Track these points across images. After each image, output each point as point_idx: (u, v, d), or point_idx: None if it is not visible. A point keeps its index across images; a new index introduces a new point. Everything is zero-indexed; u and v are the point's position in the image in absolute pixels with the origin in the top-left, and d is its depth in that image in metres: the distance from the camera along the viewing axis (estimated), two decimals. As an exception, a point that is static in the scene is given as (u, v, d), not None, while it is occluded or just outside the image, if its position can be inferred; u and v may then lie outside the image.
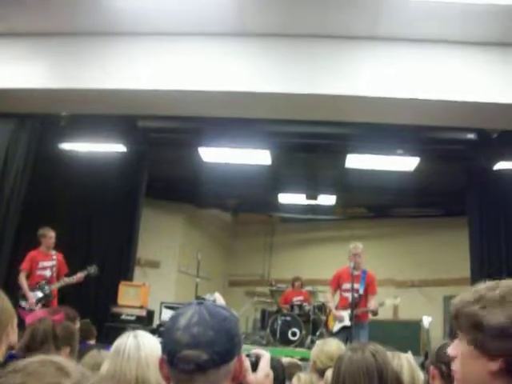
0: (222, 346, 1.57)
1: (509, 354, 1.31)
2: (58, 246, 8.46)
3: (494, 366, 1.33)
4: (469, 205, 9.90)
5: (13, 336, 2.38)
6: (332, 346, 3.83)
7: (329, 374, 3.54)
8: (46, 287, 8.13)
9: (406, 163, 9.21)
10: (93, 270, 8.39)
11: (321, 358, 3.74)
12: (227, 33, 6.76)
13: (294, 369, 4.25)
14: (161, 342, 1.70)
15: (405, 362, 2.50)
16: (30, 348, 2.82)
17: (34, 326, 2.86)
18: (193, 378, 1.56)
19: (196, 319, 1.59)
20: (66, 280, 8.25)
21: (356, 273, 7.97)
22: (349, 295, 8.07)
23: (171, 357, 1.57)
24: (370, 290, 8.24)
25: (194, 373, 1.55)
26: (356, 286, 7.93)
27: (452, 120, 7.17)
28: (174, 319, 1.64)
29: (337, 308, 8.36)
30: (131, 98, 7.12)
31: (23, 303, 7.88)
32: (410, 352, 2.90)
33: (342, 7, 6.13)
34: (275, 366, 3.76)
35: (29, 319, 2.86)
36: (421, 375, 2.57)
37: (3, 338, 2.29)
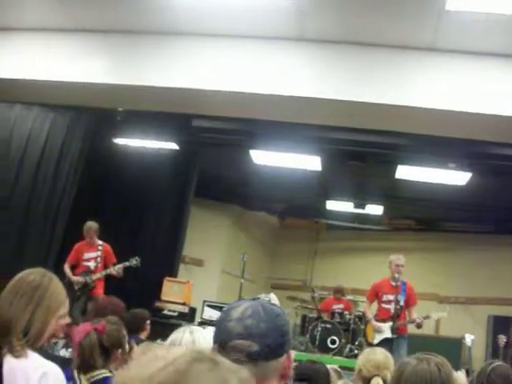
0: (274, 340, 1.60)
1: None
2: (105, 239, 8.65)
3: None
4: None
5: (62, 322, 2.46)
6: (378, 355, 3.82)
7: (374, 382, 3.55)
8: (88, 277, 8.34)
9: (457, 177, 9.09)
10: (134, 261, 8.53)
11: (367, 366, 3.74)
12: (285, 37, 6.81)
13: (335, 375, 4.27)
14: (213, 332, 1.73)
15: (458, 379, 2.48)
16: (80, 366, 2.99)
17: (81, 343, 3.02)
18: None
19: (250, 312, 1.62)
20: (108, 270, 8.45)
21: (397, 284, 7.90)
22: (390, 307, 7.98)
23: (222, 346, 1.59)
24: (411, 301, 8.11)
25: (243, 363, 1.53)
26: (396, 296, 7.85)
27: (506, 136, 7.05)
28: (227, 311, 1.67)
29: (376, 319, 8.27)
30: (186, 97, 7.23)
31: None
32: (463, 370, 2.88)
33: (402, 17, 6.12)
34: (319, 368, 3.80)
35: (76, 335, 3.00)
36: None
37: (53, 322, 2.37)
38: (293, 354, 1.77)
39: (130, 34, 7.19)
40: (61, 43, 7.37)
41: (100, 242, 8.57)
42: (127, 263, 8.52)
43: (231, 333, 1.59)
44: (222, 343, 1.60)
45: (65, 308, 2.44)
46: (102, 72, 7.26)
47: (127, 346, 3.30)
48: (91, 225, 8.46)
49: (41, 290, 2.34)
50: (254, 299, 1.69)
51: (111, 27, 7.18)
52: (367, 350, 4.09)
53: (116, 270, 8.46)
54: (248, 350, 1.57)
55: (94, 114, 8.46)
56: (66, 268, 8.34)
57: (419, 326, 7.99)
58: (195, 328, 2.50)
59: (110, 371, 3.06)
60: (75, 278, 8.29)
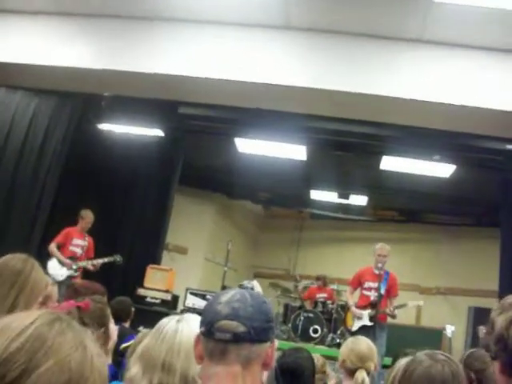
0: (260, 324, 1.65)
1: (502, 356, 1.36)
2: (89, 229, 8.75)
3: (496, 366, 1.39)
4: (502, 216, 9.76)
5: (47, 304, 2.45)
6: (362, 346, 3.81)
7: (359, 375, 3.55)
8: (74, 262, 8.42)
9: (441, 169, 9.13)
10: (118, 258, 8.80)
11: (351, 357, 3.73)
12: (272, 25, 6.79)
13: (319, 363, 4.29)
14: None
15: None
16: None
17: None
18: (227, 349, 1.63)
19: (238, 297, 1.68)
20: (90, 262, 8.62)
21: (379, 272, 7.95)
22: (370, 294, 8.07)
23: (209, 326, 1.65)
24: (392, 292, 8.18)
25: (229, 343, 1.62)
26: (378, 285, 7.91)
27: (492, 129, 7.09)
28: (216, 296, 1.74)
29: (356, 306, 8.33)
30: (172, 84, 7.19)
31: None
32: None
33: (390, 8, 6.12)
34: (306, 357, 3.81)
35: None
36: None
37: (35, 306, 2.36)
38: (276, 342, 1.80)
39: (116, 18, 7.13)
40: (46, 27, 7.30)
41: (86, 234, 8.80)
42: (111, 258, 8.77)
43: (219, 314, 1.65)
44: (210, 324, 1.66)
45: (47, 291, 2.43)
46: (87, 57, 7.20)
47: (111, 327, 3.24)
48: (92, 216, 8.74)
49: (23, 275, 2.35)
50: (241, 286, 1.78)
51: (97, 12, 7.12)
52: (350, 340, 4.08)
53: (96, 263, 8.63)
54: (234, 331, 1.62)
55: (79, 99, 8.39)
56: (54, 248, 8.41)
57: (393, 316, 8.04)
58: (185, 317, 2.48)
59: None
60: (67, 261, 8.33)
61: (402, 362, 2.20)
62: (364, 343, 3.87)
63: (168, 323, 2.41)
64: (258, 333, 1.65)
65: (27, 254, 2.53)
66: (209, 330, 1.65)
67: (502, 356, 1.38)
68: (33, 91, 8.21)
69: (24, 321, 0.95)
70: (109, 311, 3.21)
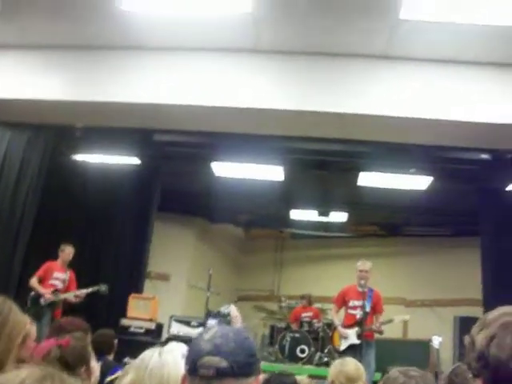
0: (242, 358, 1.66)
1: (484, 373, 1.36)
2: (70, 261, 8.70)
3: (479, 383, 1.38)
4: (481, 225, 9.86)
5: (25, 350, 2.40)
6: (350, 366, 3.81)
7: None
8: (56, 295, 8.34)
9: (418, 182, 9.20)
10: (103, 287, 8.71)
11: (339, 378, 3.73)
12: (243, 49, 6.82)
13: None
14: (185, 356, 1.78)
15: None
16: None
17: (42, 361, 2.86)
18: None
19: (220, 334, 1.70)
20: (71, 293, 8.54)
21: (364, 290, 7.93)
22: (356, 312, 8.04)
23: (193, 364, 1.66)
24: (377, 309, 8.18)
25: (212, 379, 1.62)
26: (363, 303, 7.89)
27: (466, 140, 7.17)
28: (199, 335, 1.75)
29: (342, 326, 8.31)
30: (146, 112, 7.18)
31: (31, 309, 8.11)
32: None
33: (357, 26, 6.18)
34: (291, 382, 3.77)
35: (37, 354, 2.85)
36: None
37: (13, 350, 2.31)
38: (261, 377, 1.81)
39: (85, 49, 7.11)
40: (15, 61, 7.26)
41: (67, 268, 8.74)
42: (95, 288, 8.69)
43: (202, 351, 1.65)
44: (193, 361, 1.66)
45: (26, 332, 2.39)
46: (59, 88, 7.16)
47: (92, 364, 3.20)
48: (71, 249, 8.69)
49: (1, 317, 2.30)
50: (218, 313, 1.81)
51: (66, 43, 7.09)
52: (339, 362, 4.08)
53: (79, 294, 8.56)
54: (217, 366, 1.62)
55: (52, 132, 8.32)
56: (35, 282, 8.32)
57: (380, 332, 8.05)
58: (166, 349, 2.45)
59: None
60: (46, 293, 8.24)
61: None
62: (352, 364, 3.88)
63: (151, 357, 2.38)
64: (241, 367, 1.65)
65: (4, 296, 2.49)
66: (193, 367, 1.66)
67: (483, 373, 1.38)
68: (5, 125, 8.13)
69: (14, 380, 0.93)
70: (90, 348, 3.17)
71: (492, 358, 1.32)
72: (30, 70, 7.23)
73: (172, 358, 2.47)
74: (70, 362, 2.93)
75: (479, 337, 1.38)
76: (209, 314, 9.25)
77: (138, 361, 2.41)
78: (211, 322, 8.24)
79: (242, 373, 1.65)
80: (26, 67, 7.24)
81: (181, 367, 2.41)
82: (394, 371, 2.20)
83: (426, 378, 2.07)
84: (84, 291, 8.59)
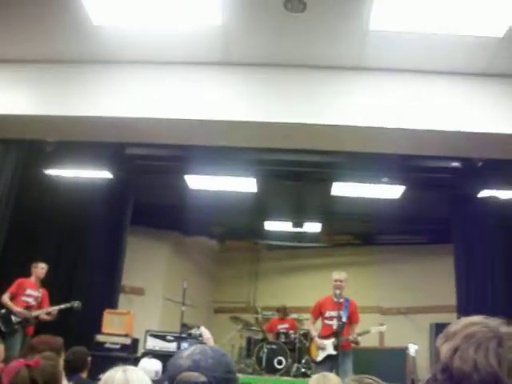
0: (220, 374, 1.71)
1: None
2: (43, 278, 8.61)
3: None
4: (453, 232, 9.97)
5: None
6: (332, 381, 3.77)
7: None
8: (28, 312, 8.25)
9: (391, 191, 9.27)
10: (76, 304, 8.66)
11: None
12: (213, 62, 6.82)
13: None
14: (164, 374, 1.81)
15: None
16: None
17: (10, 382, 2.79)
18: None
19: (198, 351, 1.75)
20: (45, 309, 8.49)
21: (340, 300, 7.95)
22: (332, 323, 8.05)
23: (172, 380, 1.70)
24: (353, 318, 8.21)
25: None
26: (339, 313, 7.91)
27: (438, 149, 7.23)
28: (178, 352, 1.82)
29: (319, 336, 8.31)
30: (117, 126, 7.13)
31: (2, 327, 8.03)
32: None
33: (327, 38, 6.22)
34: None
35: (5, 376, 2.78)
36: None
37: None
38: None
39: (56, 63, 7.05)
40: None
41: (40, 285, 8.68)
42: (68, 305, 8.63)
43: (180, 367, 1.70)
44: (172, 378, 1.71)
45: None
46: (29, 103, 7.09)
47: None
48: (43, 265, 8.65)
49: None
50: (190, 335, 1.84)
51: (35, 57, 7.02)
52: (318, 376, 4.03)
53: (52, 311, 8.51)
54: (196, 381, 1.67)
55: (23, 146, 8.23)
56: (6, 299, 8.22)
57: (356, 342, 8.08)
58: (129, 367, 2.44)
59: None
60: (19, 310, 8.14)
61: None
62: (333, 379, 3.82)
63: (115, 375, 2.37)
64: (219, 382, 1.69)
65: None
66: (172, 382, 1.70)
67: None
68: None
69: None
70: (60, 368, 3.12)
71: (456, 370, 1.32)
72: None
73: (136, 375, 2.45)
74: (40, 383, 2.87)
75: (443, 348, 1.38)
76: (184, 328, 9.21)
77: (102, 380, 2.39)
78: (184, 345, 8.23)
79: None
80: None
81: (146, 382, 2.40)
82: (349, 380, 2.22)
83: None
84: (56, 308, 8.53)
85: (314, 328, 8.58)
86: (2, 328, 7.95)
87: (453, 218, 9.96)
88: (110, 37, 6.43)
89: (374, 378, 2.18)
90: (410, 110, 6.62)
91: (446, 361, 1.34)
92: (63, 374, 3.20)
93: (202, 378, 1.67)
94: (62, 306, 8.54)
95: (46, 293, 8.68)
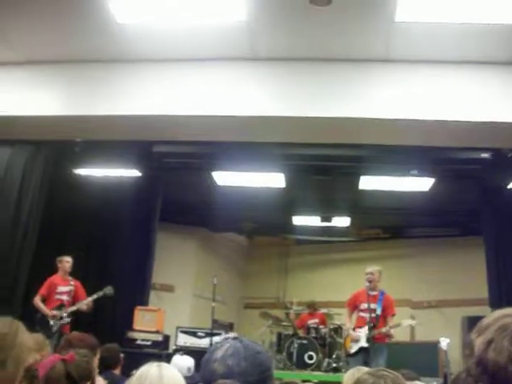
0: (254, 377, 1.70)
1: (483, 379, 1.34)
2: (74, 271, 8.57)
3: None
4: (484, 224, 9.84)
5: None
6: None
7: None
8: (62, 311, 8.22)
9: (420, 183, 9.18)
10: (108, 290, 8.52)
11: None
12: (239, 57, 6.82)
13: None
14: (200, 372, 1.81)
15: None
16: None
17: (46, 377, 2.83)
18: None
19: (231, 352, 1.73)
20: (79, 303, 8.39)
21: (373, 293, 7.99)
22: (366, 315, 8.04)
23: None
24: (388, 312, 8.20)
25: None
26: (373, 306, 7.94)
27: (466, 140, 7.15)
28: (211, 352, 1.78)
29: (354, 329, 8.32)
30: (145, 124, 7.18)
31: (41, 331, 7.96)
32: (440, 380, 2.83)
33: (353, 31, 6.19)
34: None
35: (41, 371, 2.82)
36: None
37: (20, 373, 2.29)
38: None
39: (82, 63, 7.12)
40: (13, 77, 7.27)
41: (71, 278, 8.57)
42: (100, 293, 8.48)
43: (214, 373, 1.70)
44: (207, 383, 1.71)
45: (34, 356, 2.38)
46: (57, 104, 7.17)
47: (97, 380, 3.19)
48: (68, 259, 8.53)
49: (9, 340, 2.29)
50: (235, 338, 1.79)
51: (63, 58, 7.10)
52: (353, 370, 4.03)
53: (87, 303, 8.41)
54: None
55: (52, 147, 8.33)
56: (38, 301, 8.20)
57: (389, 335, 8.06)
58: (163, 364, 2.46)
59: None
60: (49, 313, 8.14)
61: None
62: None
63: (149, 370, 2.39)
64: None
65: (11, 317, 2.47)
66: None
67: (483, 379, 1.37)
68: (4, 143, 8.13)
69: None
70: (94, 364, 3.16)
71: (490, 363, 1.31)
72: (27, 87, 7.23)
73: (170, 370, 2.47)
74: (76, 378, 2.91)
75: (477, 341, 1.37)
76: (215, 325, 9.25)
77: (136, 375, 2.41)
78: (216, 339, 8.21)
79: None
80: (23, 84, 7.24)
81: (179, 379, 2.42)
82: (365, 373, 2.21)
83: (398, 379, 2.07)
84: (90, 298, 8.43)
85: (350, 321, 8.59)
86: (42, 332, 7.91)
87: (483, 210, 9.83)
88: (136, 35, 6.47)
89: (391, 371, 2.15)
90: (436, 101, 6.55)
91: (481, 354, 1.33)
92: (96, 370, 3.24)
93: None
94: (95, 296, 8.44)
95: (78, 284, 8.60)
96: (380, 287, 8.22)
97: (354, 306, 8.45)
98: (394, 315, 8.27)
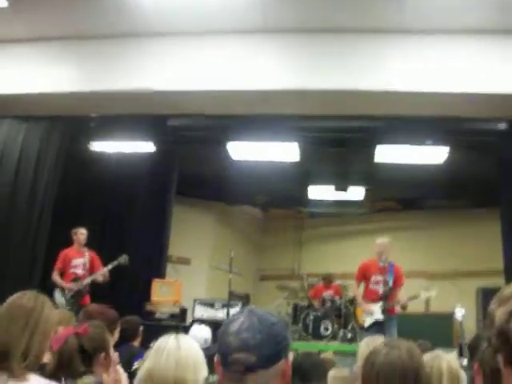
0: (270, 349, 1.70)
1: (504, 349, 1.37)
2: (90, 246, 8.58)
3: (500, 359, 1.40)
4: (501, 196, 9.78)
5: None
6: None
7: None
8: (79, 283, 8.23)
9: (436, 156, 9.10)
10: (123, 259, 8.44)
11: None
12: (252, 30, 6.80)
13: (328, 365, 4.28)
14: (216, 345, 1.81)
15: (445, 365, 2.45)
16: (58, 370, 2.83)
17: (59, 351, 2.86)
18: (243, 379, 1.69)
19: (246, 325, 1.72)
20: (95, 275, 8.33)
21: (384, 265, 7.86)
22: (378, 287, 7.98)
23: (224, 359, 1.72)
24: (397, 283, 8.05)
25: (244, 373, 1.68)
26: (385, 278, 7.83)
27: (482, 111, 7.10)
28: (226, 325, 1.77)
29: (364, 301, 8.25)
30: (159, 98, 7.20)
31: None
32: (454, 352, 2.86)
33: (367, 2, 6.13)
34: (315, 361, 3.81)
35: (55, 345, 2.85)
36: (464, 376, 2.52)
37: (47, 345, 2.36)
38: (291, 356, 1.84)
39: (96, 38, 7.14)
40: (27, 54, 7.30)
41: (85, 249, 8.50)
42: (115, 262, 8.38)
43: (230, 347, 1.70)
44: (223, 357, 1.72)
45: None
46: (71, 80, 7.20)
47: (111, 352, 3.22)
48: (82, 230, 8.45)
49: (35, 314, 2.35)
50: (250, 310, 1.79)
51: (77, 34, 7.12)
52: (367, 340, 4.07)
53: (103, 273, 8.33)
54: (246, 363, 1.67)
55: (67, 123, 8.38)
56: (56, 276, 8.18)
57: (404, 307, 8.02)
58: (181, 335, 2.51)
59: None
60: (68, 285, 8.19)
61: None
62: (381, 341, 3.84)
63: (167, 342, 2.44)
64: (270, 358, 1.70)
65: (36, 291, 2.53)
66: (223, 362, 1.72)
67: (504, 349, 1.39)
68: (20, 119, 8.19)
69: None
70: (108, 336, 3.20)
71: None
72: (41, 64, 7.26)
73: (188, 341, 2.51)
74: (89, 350, 2.95)
75: (498, 312, 1.39)
76: (232, 296, 9.33)
77: (155, 347, 2.46)
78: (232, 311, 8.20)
79: (271, 363, 1.70)
80: (38, 61, 7.27)
81: (197, 350, 2.47)
82: (380, 344, 2.24)
83: (412, 349, 2.11)
84: (105, 269, 8.33)
85: (359, 292, 8.51)
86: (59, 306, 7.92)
87: (500, 181, 9.77)
88: (148, 10, 6.48)
89: (405, 341, 2.18)
90: (453, 71, 6.50)
91: (502, 325, 1.36)
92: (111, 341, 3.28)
93: (253, 359, 1.67)
94: (110, 266, 8.34)
95: (94, 254, 8.53)
96: (389, 258, 8.10)
97: (362, 277, 8.28)
98: (402, 285, 8.18)
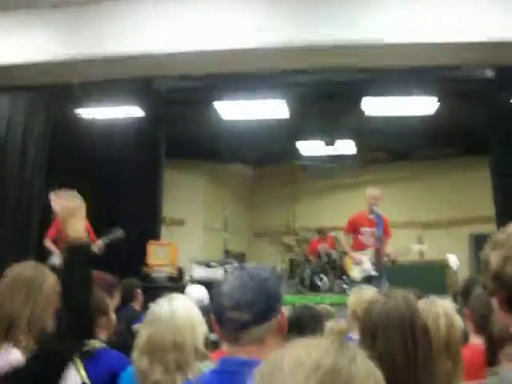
0: (262, 306, 1.75)
1: (500, 293, 1.40)
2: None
3: (495, 302, 1.44)
4: (490, 143, 9.82)
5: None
6: (370, 294, 3.87)
7: None
8: None
9: (425, 107, 9.05)
10: (119, 232, 8.45)
11: (362, 306, 3.79)
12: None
13: (326, 316, 4.37)
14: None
15: (441, 310, 2.50)
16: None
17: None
18: (238, 336, 1.76)
19: (237, 284, 1.78)
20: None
21: (373, 216, 7.80)
22: (367, 239, 7.89)
23: (218, 318, 1.79)
24: (386, 234, 7.96)
25: (238, 331, 1.75)
26: (375, 229, 7.76)
27: (470, 59, 7.04)
28: (219, 285, 1.84)
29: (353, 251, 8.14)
30: (143, 61, 7.10)
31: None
32: (449, 298, 2.91)
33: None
34: (313, 314, 3.88)
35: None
36: (459, 322, 2.57)
37: (51, 310, 2.40)
38: (285, 310, 1.89)
39: (77, 4, 7.00)
40: (6, 23, 7.16)
41: None
42: (110, 236, 8.37)
43: (223, 306, 1.77)
44: (218, 315, 1.80)
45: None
46: (53, 47, 7.07)
47: (112, 315, 3.29)
48: None
49: (36, 283, 2.39)
50: (241, 268, 1.85)
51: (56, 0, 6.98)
52: (355, 290, 4.17)
53: (99, 247, 8.25)
54: (239, 321, 1.74)
55: (52, 92, 8.28)
56: (49, 243, 8.12)
57: (394, 262, 8.03)
58: (174, 296, 2.52)
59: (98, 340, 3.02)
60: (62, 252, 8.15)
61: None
62: (370, 291, 3.95)
63: (162, 307, 2.45)
64: (263, 314, 1.75)
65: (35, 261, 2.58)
66: (219, 320, 1.79)
67: (499, 293, 1.42)
68: (4, 90, 8.07)
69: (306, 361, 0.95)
70: (108, 300, 3.26)
71: (508, 278, 1.36)
72: (20, 33, 7.13)
73: (182, 302, 2.53)
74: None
75: (492, 257, 1.42)
76: (227, 255, 9.40)
77: (150, 314, 2.48)
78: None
79: (264, 318, 1.75)
80: (17, 30, 7.14)
81: (192, 309, 2.49)
82: (378, 294, 2.31)
83: (408, 298, 2.16)
84: (102, 243, 8.27)
85: (348, 244, 8.36)
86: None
87: (489, 129, 9.80)
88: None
89: (402, 291, 2.23)
90: (438, 22, 6.41)
91: (498, 269, 1.38)
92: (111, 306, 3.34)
93: (246, 316, 1.73)
94: (106, 240, 8.30)
95: (88, 226, 8.50)
96: (382, 210, 8.02)
97: (352, 229, 8.14)
98: (390, 236, 8.11)
